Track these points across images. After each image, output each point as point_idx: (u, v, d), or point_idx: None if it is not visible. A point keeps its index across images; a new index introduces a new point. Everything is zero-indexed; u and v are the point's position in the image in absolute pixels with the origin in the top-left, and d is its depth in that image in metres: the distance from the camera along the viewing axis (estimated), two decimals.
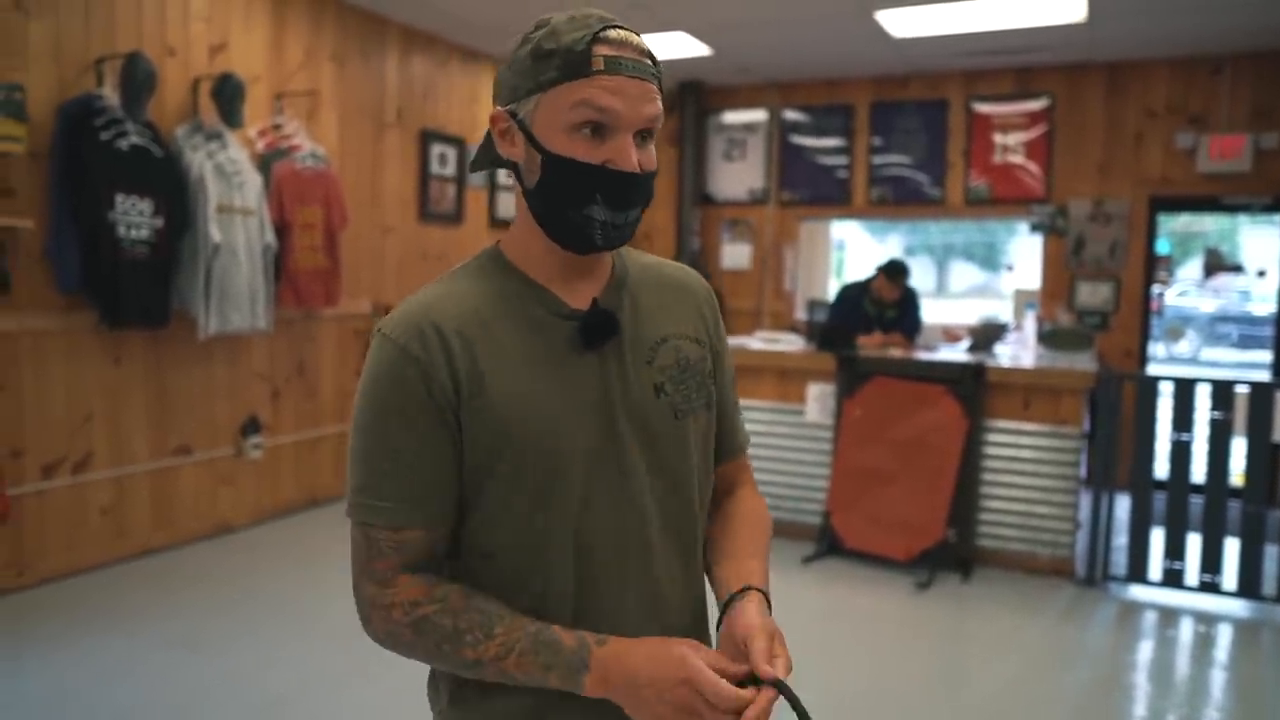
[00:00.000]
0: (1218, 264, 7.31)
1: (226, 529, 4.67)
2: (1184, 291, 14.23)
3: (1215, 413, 4.00)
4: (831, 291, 7.19)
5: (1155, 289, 6.50)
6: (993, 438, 4.41)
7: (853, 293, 5.54)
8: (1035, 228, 6.44)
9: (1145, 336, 6.23)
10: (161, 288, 4.07)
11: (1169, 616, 3.97)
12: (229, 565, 4.23)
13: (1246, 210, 5.97)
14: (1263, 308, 12.56)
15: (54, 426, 3.87)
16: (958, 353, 4.98)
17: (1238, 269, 8.08)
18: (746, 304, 7.31)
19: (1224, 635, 3.82)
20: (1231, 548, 4.01)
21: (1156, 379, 4.25)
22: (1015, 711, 3.07)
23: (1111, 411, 4.19)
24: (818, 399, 4.74)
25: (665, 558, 1.06)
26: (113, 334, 4.04)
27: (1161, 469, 4.11)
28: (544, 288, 1.04)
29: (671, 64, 6.41)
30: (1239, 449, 4.01)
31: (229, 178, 4.27)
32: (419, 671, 1.04)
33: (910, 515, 4.36)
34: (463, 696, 1.04)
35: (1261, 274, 9.06)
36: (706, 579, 1.14)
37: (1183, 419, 4.08)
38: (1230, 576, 4.00)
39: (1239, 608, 4.01)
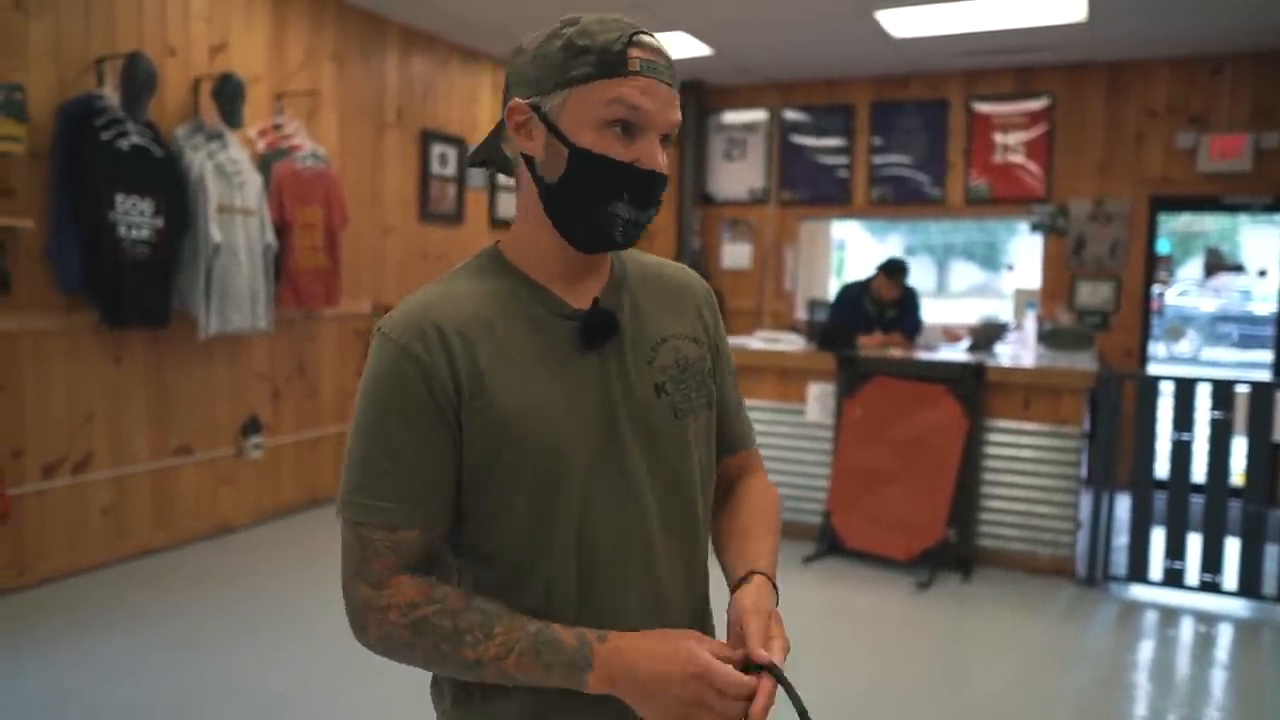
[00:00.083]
0: (1218, 264, 7.31)
1: (227, 529, 4.67)
2: (1184, 291, 14.23)
3: (1216, 412, 3.99)
4: (832, 291, 7.19)
5: (1156, 289, 6.50)
6: (993, 437, 4.41)
7: (853, 292, 5.54)
8: (1035, 227, 6.44)
9: (1146, 336, 6.23)
10: (162, 288, 4.07)
11: (1169, 616, 3.97)
12: (229, 565, 4.23)
13: (1247, 210, 5.97)
14: (1263, 307, 12.56)
15: (54, 426, 3.87)
16: (958, 352, 4.97)
17: (1238, 269, 8.08)
18: (747, 304, 7.32)
19: (1224, 635, 3.82)
20: (1232, 547, 4.01)
21: (1157, 379, 4.25)
22: (1016, 711, 3.07)
23: (1112, 411, 4.19)
24: (818, 399, 4.74)
25: (667, 557, 1.07)
26: (113, 334, 4.04)
27: (1162, 469, 4.11)
28: (545, 288, 1.04)
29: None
30: (1239, 449, 4.01)
31: (229, 178, 4.27)
32: (419, 672, 1.04)
33: (911, 515, 4.36)
34: (467, 697, 1.04)
35: (1262, 274, 9.06)
36: (720, 566, 1.15)
37: (1183, 419, 4.08)
38: (1231, 576, 4.00)
39: (1239, 607, 4.01)
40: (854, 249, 16.92)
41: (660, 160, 0.99)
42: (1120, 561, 4.28)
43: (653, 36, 0.99)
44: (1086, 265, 6.25)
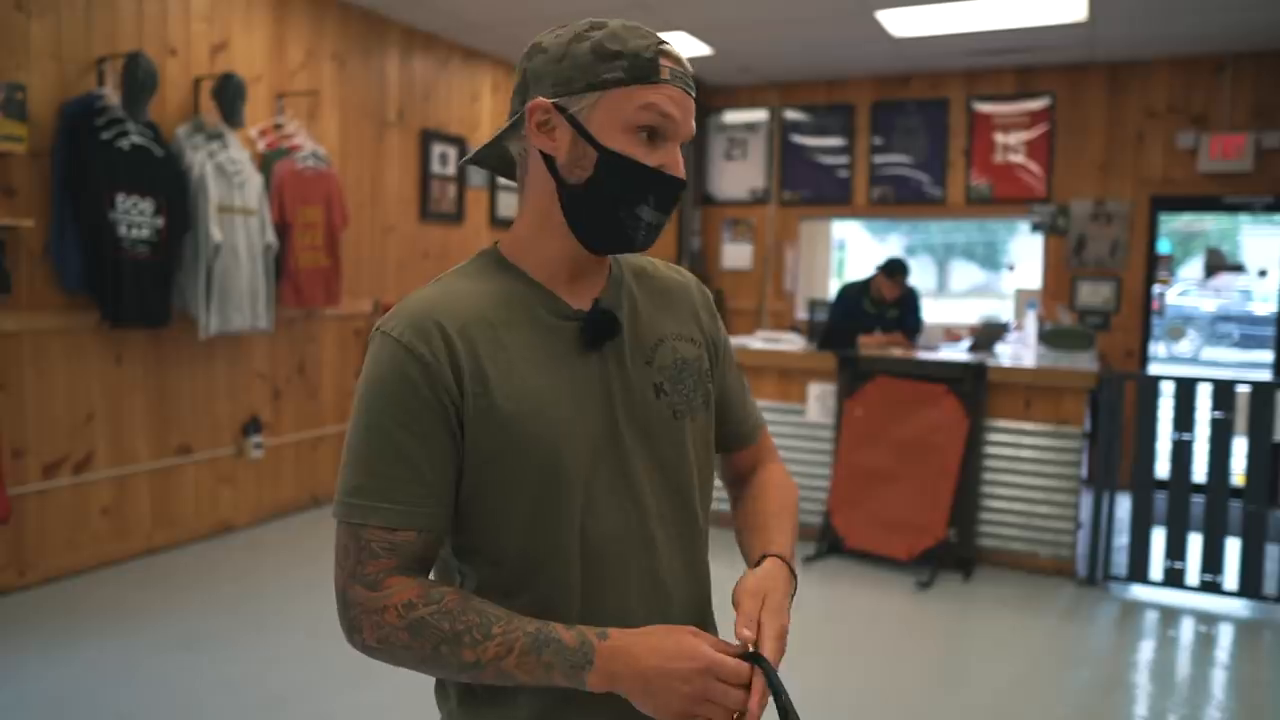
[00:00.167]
0: (1219, 263, 7.30)
1: (227, 529, 4.67)
2: (1185, 291, 14.22)
3: (1216, 412, 3.99)
4: (832, 291, 7.18)
5: (1156, 288, 6.50)
6: (994, 437, 4.41)
7: (853, 292, 5.54)
8: (1036, 227, 6.43)
9: (1146, 336, 6.23)
10: (162, 287, 4.07)
11: (1170, 616, 3.97)
12: (229, 565, 4.23)
13: (1248, 210, 5.97)
14: (1264, 307, 12.55)
15: (55, 426, 3.87)
16: (959, 352, 4.97)
17: (1239, 268, 8.07)
18: (747, 304, 7.32)
19: (1225, 635, 3.82)
20: (1232, 547, 4.01)
21: (1157, 379, 4.25)
22: (1016, 711, 3.07)
23: (1112, 411, 4.19)
24: (819, 399, 4.74)
25: (668, 556, 1.07)
26: (114, 333, 4.04)
27: (1162, 469, 4.11)
28: (545, 288, 1.04)
29: None
30: (1240, 449, 4.01)
31: (230, 177, 4.27)
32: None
33: (911, 515, 4.36)
34: (472, 698, 1.04)
35: (1263, 273, 9.04)
36: (741, 555, 1.16)
37: (1184, 419, 4.08)
38: (1231, 576, 4.00)
39: (1240, 607, 4.01)
40: (854, 249, 16.90)
41: (682, 166, 1.01)
42: (1121, 561, 4.28)
43: (673, 48, 1.01)
44: (1087, 265, 6.25)
